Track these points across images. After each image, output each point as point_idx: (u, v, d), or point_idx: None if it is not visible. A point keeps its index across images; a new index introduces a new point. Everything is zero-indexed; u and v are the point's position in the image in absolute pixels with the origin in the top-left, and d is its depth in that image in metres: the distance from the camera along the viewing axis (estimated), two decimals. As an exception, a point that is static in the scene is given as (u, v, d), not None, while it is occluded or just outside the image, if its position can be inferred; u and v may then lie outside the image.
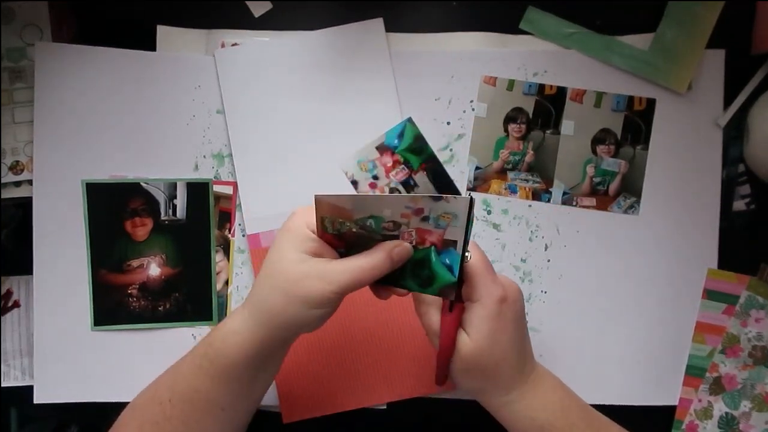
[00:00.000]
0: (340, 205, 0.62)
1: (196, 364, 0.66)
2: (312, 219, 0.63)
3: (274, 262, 0.63)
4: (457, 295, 0.64)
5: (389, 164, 0.67)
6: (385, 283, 0.65)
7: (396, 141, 0.67)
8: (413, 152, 0.67)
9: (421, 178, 0.70)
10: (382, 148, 0.66)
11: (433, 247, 0.62)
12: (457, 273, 0.62)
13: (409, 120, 0.66)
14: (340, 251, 0.64)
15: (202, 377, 0.65)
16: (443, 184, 0.74)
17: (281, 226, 0.65)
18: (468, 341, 0.64)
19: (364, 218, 0.62)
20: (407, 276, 0.64)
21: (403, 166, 0.68)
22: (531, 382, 0.68)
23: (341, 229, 0.63)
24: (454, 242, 0.61)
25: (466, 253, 0.63)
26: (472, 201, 0.59)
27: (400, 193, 0.66)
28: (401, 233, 0.62)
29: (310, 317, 0.62)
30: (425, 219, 0.61)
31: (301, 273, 0.61)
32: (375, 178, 0.67)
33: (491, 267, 0.65)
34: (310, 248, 0.62)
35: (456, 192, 0.78)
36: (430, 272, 0.63)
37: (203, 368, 0.65)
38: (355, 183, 0.67)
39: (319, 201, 0.62)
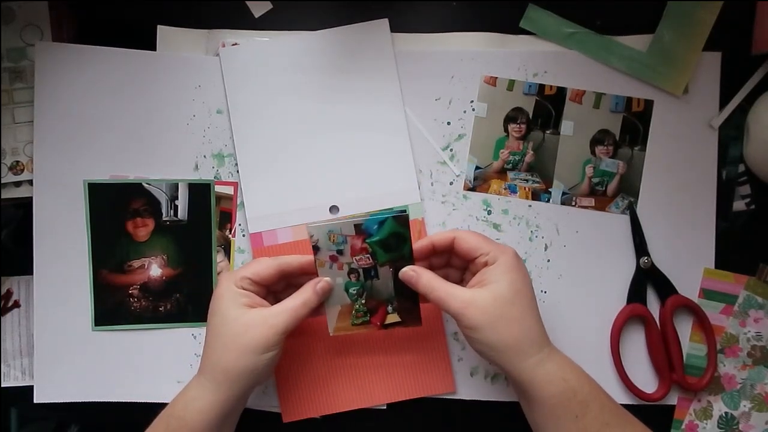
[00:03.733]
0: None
1: None
2: (237, 275, 0.71)
3: (218, 326, 0.70)
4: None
5: (357, 247, 0.69)
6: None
7: (374, 228, 0.68)
8: (384, 248, 0.69)
9: (384, 272, 0.71)
10: (359, 229, 0.68)
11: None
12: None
13: (396, 217, 0.67)
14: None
15: None
16: (403, 289, 0.74)
17: (213, 295, 0.72)
18: (489, 296, 0.68)
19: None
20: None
21: (368, 255, 0.70)
22: (553, 346, 0.72)
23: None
24: None
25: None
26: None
27: (359, 275, 0.72)
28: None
29: (262, 362, 0.68)
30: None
31: (244, 325, 0.68)
32: (339, 252, 0.69)
33: (486, 237, 0.73)
34: (244, 303, 0.70)
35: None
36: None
37: None
38: (316, 248, 0.69)
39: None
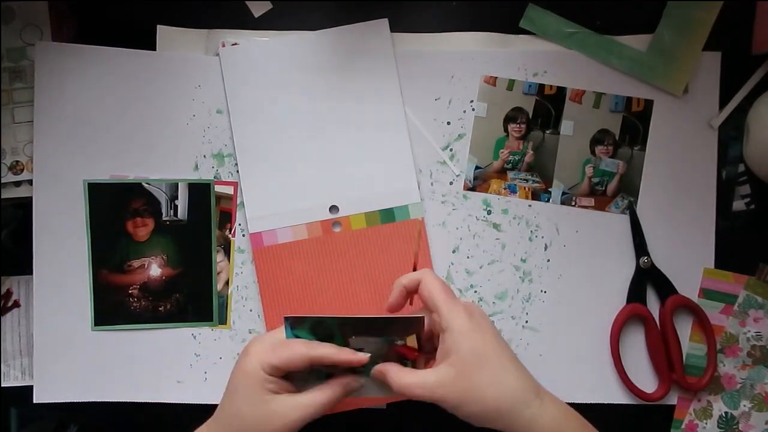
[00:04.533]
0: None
1: None
2: (268, 360, 0.67)
3: (240, 406, 0.68)
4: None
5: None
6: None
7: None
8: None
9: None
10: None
11: None
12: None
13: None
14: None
15: None
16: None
17: (237, 366, 0.69)
18: (451, 371, 0.65)
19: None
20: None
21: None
22: (542, 392, 0.67)
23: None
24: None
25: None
26: (423, 319, 0.67)
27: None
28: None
29: None
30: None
31: (265, 414, 0.66)
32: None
33: (451, 293, 0.69)
34: (269, 388, 0.67)
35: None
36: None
37: None
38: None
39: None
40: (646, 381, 0.82)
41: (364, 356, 0.67)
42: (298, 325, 0.67)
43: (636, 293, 0.81)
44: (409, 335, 0.67)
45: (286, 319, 0.67)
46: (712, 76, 0.82)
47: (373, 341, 0.67)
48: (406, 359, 0.69)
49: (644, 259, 0.81)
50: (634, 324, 0.82)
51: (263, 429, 0.66)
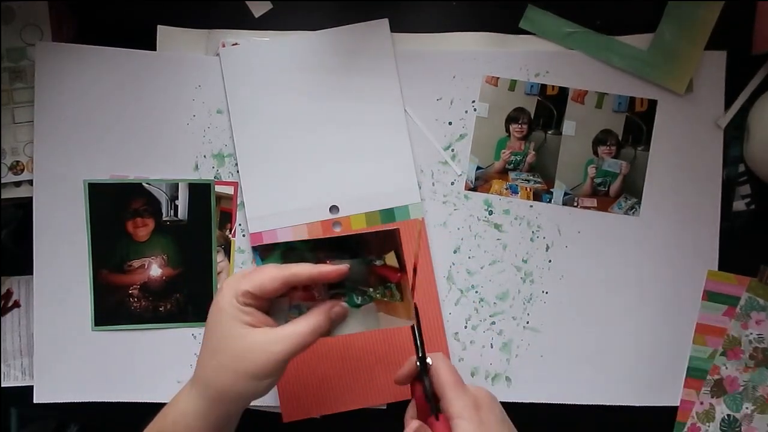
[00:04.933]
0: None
1: None
2: (240, 287, 0.63)
3: (216, 341, 0.64)
4: (434, 407, 0.64)
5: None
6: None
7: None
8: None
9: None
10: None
11: None
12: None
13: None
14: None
15: None
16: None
17: (213, 303, 0.65)
18: None
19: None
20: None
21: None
22: None
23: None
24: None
25: (427, 360, 0.65)
26: (398, 231, 0.63)
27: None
28: None
29: (259, 388, 0.63)
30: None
31: (244, 348, 0.62)
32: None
33: (459, 378, 0.65)
34: (246, 321, 0.63)
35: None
36: None
37: None
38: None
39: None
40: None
41: (342, 267, 0.64)
42: (267, 254, 0.65)
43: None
44: (386, 253, 0.65)
45: (254, 248, 0.65)
46: (717, 75, 0.82)
47: (349, 264, 0.65)
48: (388, 281, 0.66)
49: None
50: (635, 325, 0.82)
51: (244, 365, 0.62)
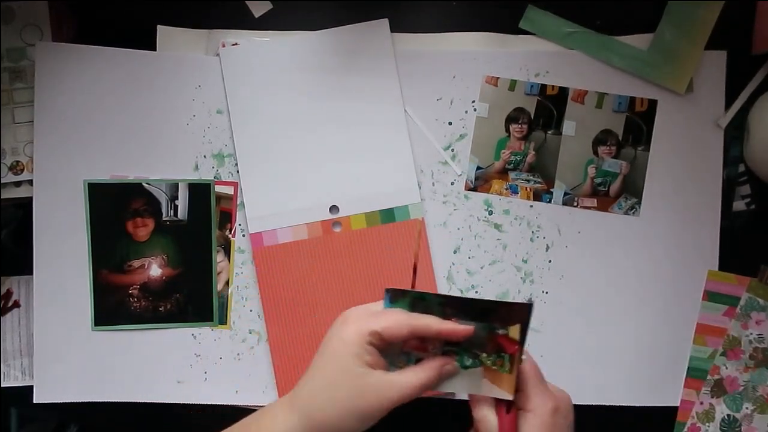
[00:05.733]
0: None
1: None
2: (369, 326, 0.62)
3: (335, 373, 0.62)
4: (513, 399, 0.63)
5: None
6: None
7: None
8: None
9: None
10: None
11: None
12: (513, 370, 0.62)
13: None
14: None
15: None
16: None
17: (334, 332, 0.64)
18: None
19: None
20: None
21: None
22: None
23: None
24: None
25: (522, 356, 0.63)
26: (531, 307, 0.60)
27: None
28: None
29: (360, 429, 0.62)
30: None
31: (362, 387, 0.61)
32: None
33: (542, 376, 0.64)
34: (368, 361, 0.62)
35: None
36: None
37: None
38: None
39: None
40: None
41: (468, 328, 0.63)
42: (398, 298, 0.64)
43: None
44: (512, 324, 0.63)
45: (387, 290, 0.64)
46: (718, 75, 0.82)
47: (474, 326, 0.63)
48: (504, 352, 0.64)
49: None
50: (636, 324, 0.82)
51: (357, 404, 0.61)
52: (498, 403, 0.63)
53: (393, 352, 0.64)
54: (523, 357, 0.62)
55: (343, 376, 0.62)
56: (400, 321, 0.62)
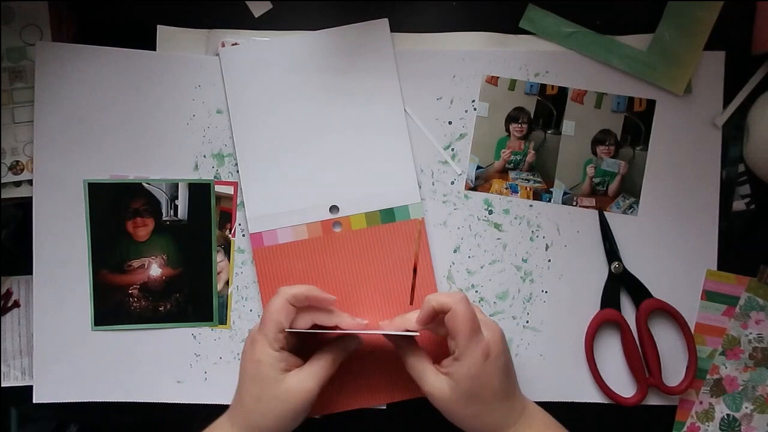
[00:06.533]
0: None
1: None
2: (269, 337, 0.71)
3: (259, 392, 0.71)
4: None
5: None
6: None
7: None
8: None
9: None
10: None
11: None
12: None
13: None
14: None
15: None
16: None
17: (247, 356, 0.73)
18: (447, 391, 0.70)
19: None
20: None
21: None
22: (522, 423, 0.71)
23: None
24: None
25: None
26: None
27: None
28: None
29: (299, 422, 0.72)
30: None
31: (286, 392, 0.70)
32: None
33: (476, 323, 0.69)
34: (281, 368, 0.71)
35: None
36: None
37: None
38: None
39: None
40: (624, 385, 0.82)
41: (362, 321, 0.74)
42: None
43: (610, 298, 0.82)
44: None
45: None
46: (716, 75, 0.82)
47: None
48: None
49: (615, 264, 0.81)
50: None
51: (284, 407, 0.70)
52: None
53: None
54: (452, 306, 0.68)
55: (264, 390, 0.71)
56: (284, 310, 0.71)
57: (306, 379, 0.71)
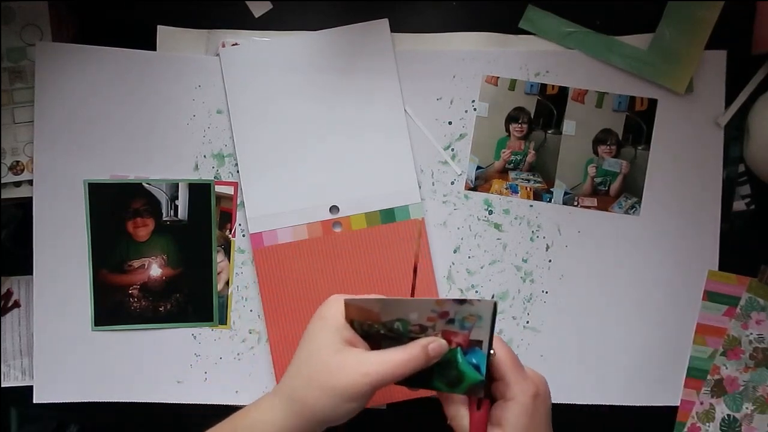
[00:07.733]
0: (367, 308, 0.63)
1: None
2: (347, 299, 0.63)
3: (311, 352, 0.63)
4: (485, 393, 0.63)
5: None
6: (414, 384, 0.64)
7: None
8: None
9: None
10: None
11: (459, 348, 0.62)
12: (484, 372, 0.61)
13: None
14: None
15: None
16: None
17: (316, 314, 0.65)
18: None
19: (391, 321, 0.62)
20: (435, 377, 0.63)
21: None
22: None
23: (369, 331, 0.63)
24: (480, 342, 0.61)
25: (491, 351, 0.62)
26: (496, 305, 0.60)
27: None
28: (427, 335, 0.62)
29: (343, 410, 0.61)
30: (451, 321, 0.61)
31: (338, 364, 0.61)
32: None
33: (519, 362, 0.63)
34: (346, 337, 0.62)
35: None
36: (458, 372, 0.62)
37: None
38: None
39: (348, 305, 0.63)
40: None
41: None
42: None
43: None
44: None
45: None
46: (718, 74, 0.82)
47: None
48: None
49: None
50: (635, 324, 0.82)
51: (332, 381, 0.60)
52: (470, 400, 0.63)
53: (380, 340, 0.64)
54: (492, 351, 0.62)
55: (318, 353, 0.62)
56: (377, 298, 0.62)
57: (372, 362, 0.60)
